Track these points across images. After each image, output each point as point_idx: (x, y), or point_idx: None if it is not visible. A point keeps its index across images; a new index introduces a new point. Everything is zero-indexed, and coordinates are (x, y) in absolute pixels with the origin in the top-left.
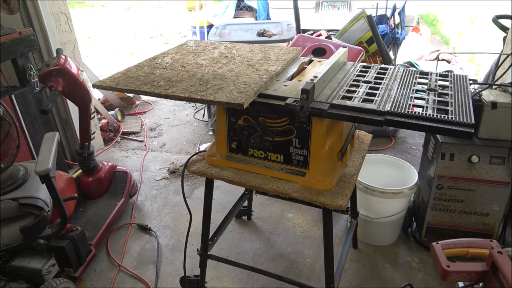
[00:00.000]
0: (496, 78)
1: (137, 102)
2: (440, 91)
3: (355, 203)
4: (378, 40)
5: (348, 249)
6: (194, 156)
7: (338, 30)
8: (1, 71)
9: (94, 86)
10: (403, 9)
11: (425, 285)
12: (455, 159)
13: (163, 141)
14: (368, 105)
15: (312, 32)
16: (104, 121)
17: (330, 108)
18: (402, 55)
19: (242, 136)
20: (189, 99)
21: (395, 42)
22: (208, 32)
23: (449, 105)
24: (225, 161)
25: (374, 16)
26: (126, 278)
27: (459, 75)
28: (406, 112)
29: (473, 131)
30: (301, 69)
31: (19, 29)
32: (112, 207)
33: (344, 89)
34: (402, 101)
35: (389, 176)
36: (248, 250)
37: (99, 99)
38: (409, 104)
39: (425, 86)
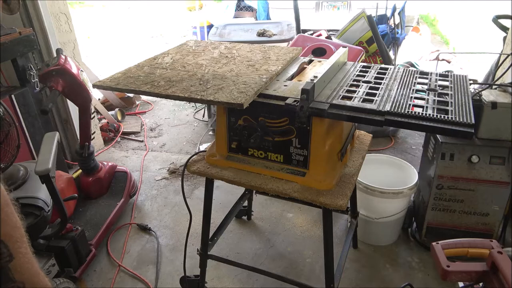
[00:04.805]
0: (496, 78)
1: (137, 102)
2: (440, 91)
3: (355, 203)
4: (378, 40)
5: (348, 249)
6: (194, 156)
7: (338, 30)
8: (1, 71)
9: (94, 86)
10: (403, 9)
11: (425, 285)
12: (455, 159)
13: (163, 141)
14: (368, 105)
15: (312, 32)
16: (104, 121)
17: (330, 108)
18: (402, 55)
19: (242, 136)
20: (189, 99)
21: (395, 42)
22: (208, 32)
23: (449, 105)
24: (225, 161)
25: (374, 16)
26: (126, 278)
27: (459, 75)
28: (406, 112)
29: (473, 131)
30: (301, 69)
31: (19, 29)
32: (112, 207)
33: (344, 89)
34: (402, 101)
35: (389, 176)
36: (248, 250)
37: (99, 99)
38: (409, 104)
39: (425, 86)
